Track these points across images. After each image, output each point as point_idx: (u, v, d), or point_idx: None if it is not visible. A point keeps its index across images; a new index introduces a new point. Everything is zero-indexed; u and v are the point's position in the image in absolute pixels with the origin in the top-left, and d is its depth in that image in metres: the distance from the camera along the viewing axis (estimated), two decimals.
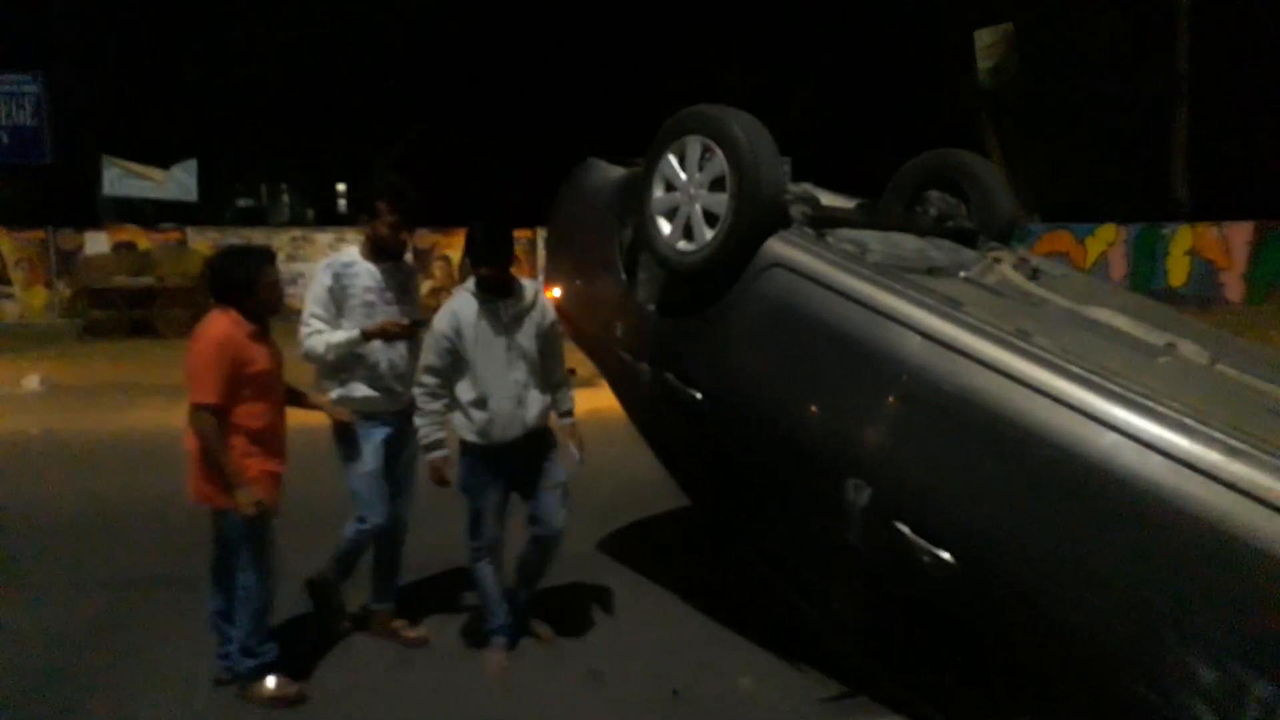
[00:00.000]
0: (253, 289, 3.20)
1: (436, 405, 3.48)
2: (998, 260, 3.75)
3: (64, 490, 6.08)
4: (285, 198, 28.11)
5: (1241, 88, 16.98)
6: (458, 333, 3.43)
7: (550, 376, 3.66)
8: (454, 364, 3.46)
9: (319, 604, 3.80)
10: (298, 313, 3.62)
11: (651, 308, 3.92)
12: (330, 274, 3.57)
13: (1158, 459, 2.28)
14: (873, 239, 3.53)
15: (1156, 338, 3.10)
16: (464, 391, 3.48)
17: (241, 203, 25.74)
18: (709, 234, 3.40)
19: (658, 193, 3.66)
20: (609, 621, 4.04)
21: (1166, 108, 17.79)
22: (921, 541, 2.69)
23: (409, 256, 3.83)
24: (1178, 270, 16.03)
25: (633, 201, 3.85)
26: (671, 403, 3.71)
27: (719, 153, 3.35)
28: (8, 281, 14.96)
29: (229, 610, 3.32)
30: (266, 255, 3.31)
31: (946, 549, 2.64)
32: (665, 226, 3.62)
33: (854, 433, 2.96)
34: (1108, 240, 16.04)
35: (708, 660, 3.65)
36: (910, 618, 2.93)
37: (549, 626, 3.85)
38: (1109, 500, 2.34)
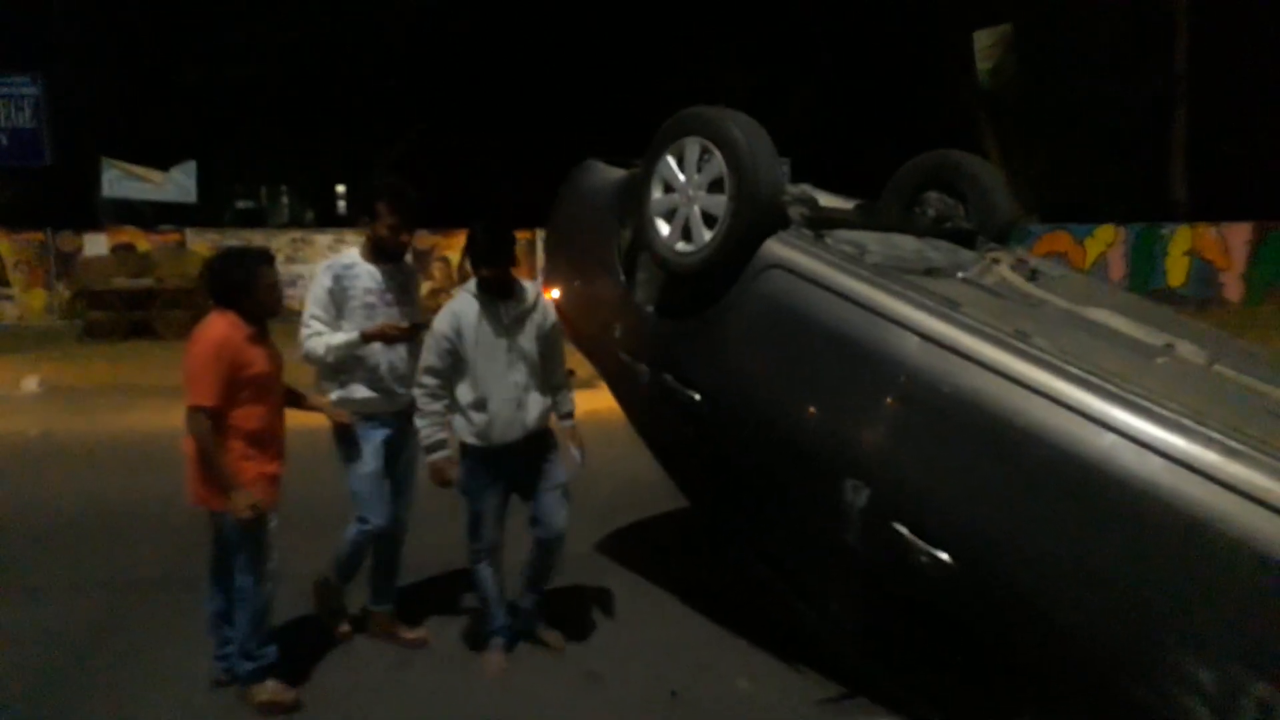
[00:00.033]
0: (251, 291, 3.20)
1: (437, 406, 3.47)
2: (996, 261, 3.75)
3: (63, 491, 6.08)
4: (284, 199, 28.10)
5: (1241, 88, 16.98)
6: (458, 334, 3.42)
7: (551, 379, 3.65)
8: (454, 365, 3.45)
9: (321, 606, 3.80)
10: (297, 314, 3.62)
11: (650, 309, 3.92)
12: (330, 275, 3.57)
13: (1156, 460, 2.28)
14: (871, 240, 3.53)
15: (1155, 338, 3.10)
16: (464, 393, 3.47)
17: (241, 204, 25.72)
18: (707, 235, 3.40)
19: (656, 194, 3.66)
20: (608, 622, 4.04)
21: (1166, 108, 17.80)
22: (920, 542, 2.69)
23: (409, 258, 3.83)
24: (1177, 271, 16.04)
25: (631, 203, 3.85)
26: (670, 404, 3.71)
27: (717, 154, 3.35)
28: (7, 283, 14.96)
29: (228, 611, 3.32)
30: (265, 257, 3.30)
31: (945, 550, 2.64)
32: (664, 228, 3.62)
33: (852, 434, 2.97)
34: (1107, 241, 16.05)
35: (706, 661, 3.66)
36: (908, 619, 2.94)
37: (558, 633, 3.80)
38: (1107, 501, 2.35)
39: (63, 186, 16.82)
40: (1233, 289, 16.04)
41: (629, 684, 3.51)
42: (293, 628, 3.74)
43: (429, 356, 3.46)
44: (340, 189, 25.03)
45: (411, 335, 3.62)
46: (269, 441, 3.24)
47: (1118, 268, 16.00)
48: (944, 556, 2.64)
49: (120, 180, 15.72)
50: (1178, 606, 2.25)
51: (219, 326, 3.14)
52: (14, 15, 16.79)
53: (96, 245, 14.91)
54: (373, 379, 3.60)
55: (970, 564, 2.61)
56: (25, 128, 15.98)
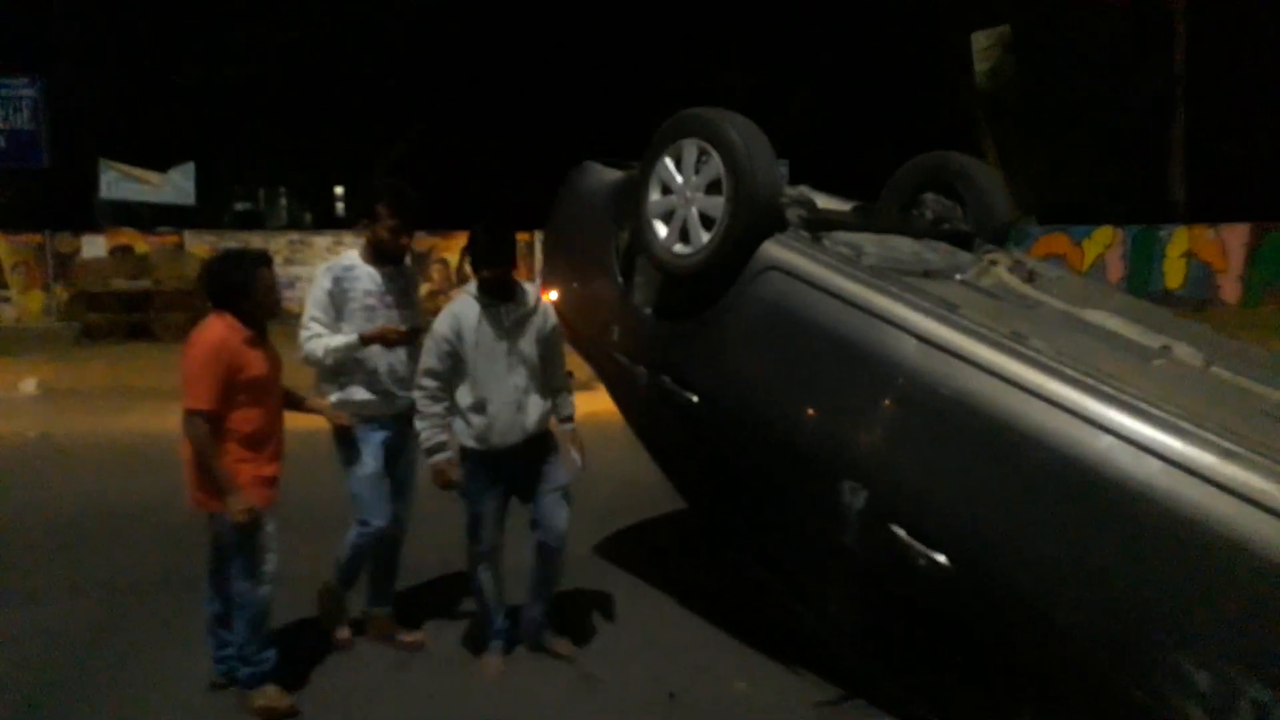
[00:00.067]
0: (249, 293, 3.19)
1: (437, 408, 3.45)
2: (993, 263, 3.76)
3: (62, 493, 6.08)
4: (283, 201, 28.07)
5: (1239, 89, 16.98)
6: (458, 335, 3.40)
7: (551, 382, 3.63)
8: (454, 367, 3.43)
9: (324, 611, 3.80)
10: (296, 316, 3.62)
11: (648, 311, 3.92)
12: (330, 277, 3.57)
13: (1153, 462, 2.29)
14: (868, 242, 3.53)
15: (1152, 340, 3.11)
16: (463, 396, 3.46)
17: (239, 206, 25.70)
18: (705, 237, 3.41)
19: (654, 196, 3.66)
20: (606, 624, 4.04)
21: (1165, 109, 17.80)
22: (917, 544, 2.70)
23: (408, 260, 3.83)
24: (1174, 273, 16.03)
25: (629, 205, 3.85)
26: (668, 406, 3.72)
27: (715, 156, 3.35)
28: (4, 285, 14.92)
29: (226, 614, 3.32)
30: (263, 259, 3.30)
31: (942, 551, 2.65)
32: (661, 229, 3.62)
33: (850, 436, 2.97)
34: (1105, 242, 16.06)
35: (704, 663, 3.66)
36: (906, 620, 2.94)
37: (568, 641, 3.77)
38: (1104, 503, 2.35)
39: (61, 188, 16.81)
40: (1230, 291, 16.03)
41: (627, 686, 3.51)
42: (292, 629, 3.74)
43: (429, 358, 3.44)
44: (339, 191, 25.00)
45: (411, 339, 3.62)
46: (266, 443, 3.23)
47: (1115, 270, 16.00)
48: (941, 558, 2.64)
49: (118, 182, 15.71)
50: (1174, 608, 2.26)
51: (216, 329, 3.14)
52: (13, 16, 16.80)
53: (94, 247, 14.89)
54: (372, 381, 3.60)
55: (968, 566, 2.62)
56: (23, 129, 15.95)
